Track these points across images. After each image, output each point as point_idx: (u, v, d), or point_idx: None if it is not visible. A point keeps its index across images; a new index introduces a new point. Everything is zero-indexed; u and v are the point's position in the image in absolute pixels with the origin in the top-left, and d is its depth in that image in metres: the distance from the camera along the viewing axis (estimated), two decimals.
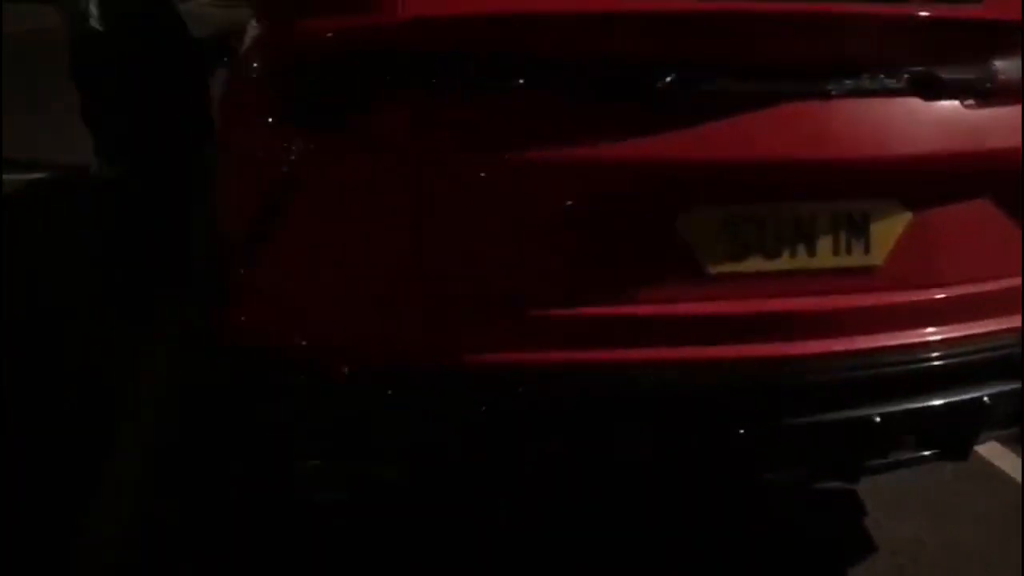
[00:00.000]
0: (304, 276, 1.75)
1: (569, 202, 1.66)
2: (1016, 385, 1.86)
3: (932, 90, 1.75)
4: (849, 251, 1.74)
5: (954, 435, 1.87)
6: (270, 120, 1.74)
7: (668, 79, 1.62)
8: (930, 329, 1.80)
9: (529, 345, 1.66)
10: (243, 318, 1.81)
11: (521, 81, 1.62)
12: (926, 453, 1.89)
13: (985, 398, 1.82)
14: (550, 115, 1.62)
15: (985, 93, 1.79)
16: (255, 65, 1.89)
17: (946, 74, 1.75)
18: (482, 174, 1.64)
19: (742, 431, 1.68)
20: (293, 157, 1.70)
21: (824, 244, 1.73)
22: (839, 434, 1.76)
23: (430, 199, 1.65)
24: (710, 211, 1.69)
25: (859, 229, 1.74)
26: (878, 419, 1.73)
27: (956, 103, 1.78)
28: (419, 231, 1.66)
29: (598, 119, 1.64)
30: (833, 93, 1.69)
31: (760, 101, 1.66)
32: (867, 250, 1.75)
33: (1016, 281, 1.86)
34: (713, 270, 1.69)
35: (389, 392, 1.68)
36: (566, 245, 1.67)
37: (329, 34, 1.68)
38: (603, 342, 1.68)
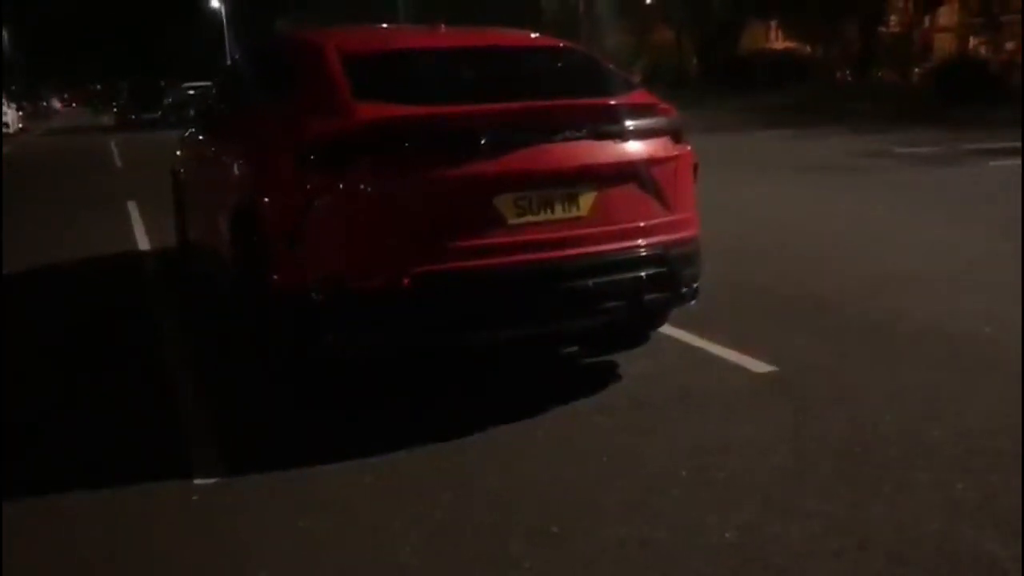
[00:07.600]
0: (319, 248, 3.67)
1: (447, 195, 3.65)
2: (662, 269, 3.97)
3: (600, 135, 3.88)
4: (571, 210, 3.81)
5: (633, 294, 3.95)
6: (295, 170, 3.70)
7: (483, 138, 3.66)
8: (612, 244, 3.89)
9: (433, 262, 3.62)
10: (288, 273, 3.74)
11: (408, 145, 3.61)
12: (620, 304, 3.94)
13: (643, 275, 3.93)
14: (428, 158, 3.62)
15: (623, 135, 3.93)
16: (284, 143, 3.87)
17: (604, 128, 3.88)
18: (401, 188, 3.61)
19: (531, 293, 3.71)
20: (308, 186, 3.65)
21: (559, 207, 3.79)
22: (575, 294, 3.81)
23: (376, 201, 3.60)
24: (506, 196, 3.72)
25: (574, 200, 3.82)
26: (592, 286, 3.80)
27: (611, 140, 3.91)
28: (374, 219, 3.61)
29: (452, 157, 3.64)
30: (556, 139, 3.79)
31: (523, 145, 3.73)
32: (579, 209, 3.83)
33: (652, 221, 3.97)
34: (511, 222, 3.72)
35: (364, 298, 3.62)
36: (451, 215, 3.64)
37: (321, 129, 3.67)
38: (467, 257, 3.65)
